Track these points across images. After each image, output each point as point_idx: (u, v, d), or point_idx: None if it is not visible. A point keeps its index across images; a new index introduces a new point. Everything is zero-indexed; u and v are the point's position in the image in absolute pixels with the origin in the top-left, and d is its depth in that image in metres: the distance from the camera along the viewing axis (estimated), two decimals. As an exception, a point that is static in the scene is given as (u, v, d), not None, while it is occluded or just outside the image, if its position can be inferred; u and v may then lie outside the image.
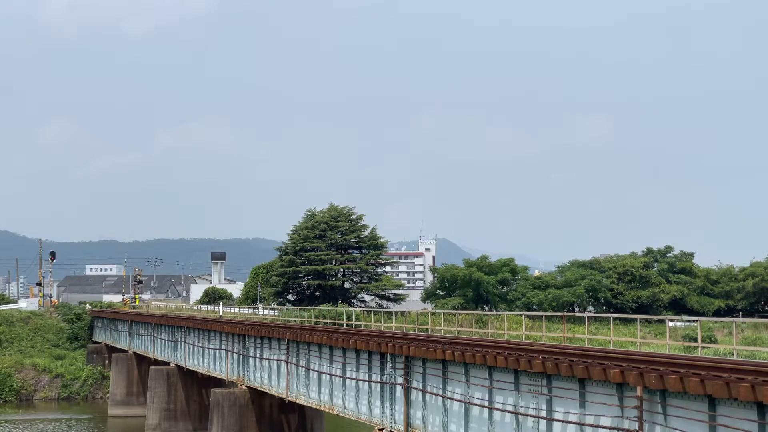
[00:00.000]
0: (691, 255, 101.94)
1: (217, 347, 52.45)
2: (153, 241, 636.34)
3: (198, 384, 61.07)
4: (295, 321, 62.84)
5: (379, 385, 31.70)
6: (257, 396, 45.72)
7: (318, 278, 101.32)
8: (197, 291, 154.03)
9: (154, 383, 61.31)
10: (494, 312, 73.69)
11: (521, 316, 61.62)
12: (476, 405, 24.96)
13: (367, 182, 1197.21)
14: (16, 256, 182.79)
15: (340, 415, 35.37)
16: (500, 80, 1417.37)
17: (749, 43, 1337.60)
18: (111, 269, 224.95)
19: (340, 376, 34.96)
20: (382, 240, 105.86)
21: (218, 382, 53.27)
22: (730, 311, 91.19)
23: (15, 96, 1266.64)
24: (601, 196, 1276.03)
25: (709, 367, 17.49)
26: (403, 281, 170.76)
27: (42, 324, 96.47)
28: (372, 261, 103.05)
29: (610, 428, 19.49)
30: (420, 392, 28.57)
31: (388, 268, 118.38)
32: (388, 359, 30.79)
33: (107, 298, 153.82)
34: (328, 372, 36.25)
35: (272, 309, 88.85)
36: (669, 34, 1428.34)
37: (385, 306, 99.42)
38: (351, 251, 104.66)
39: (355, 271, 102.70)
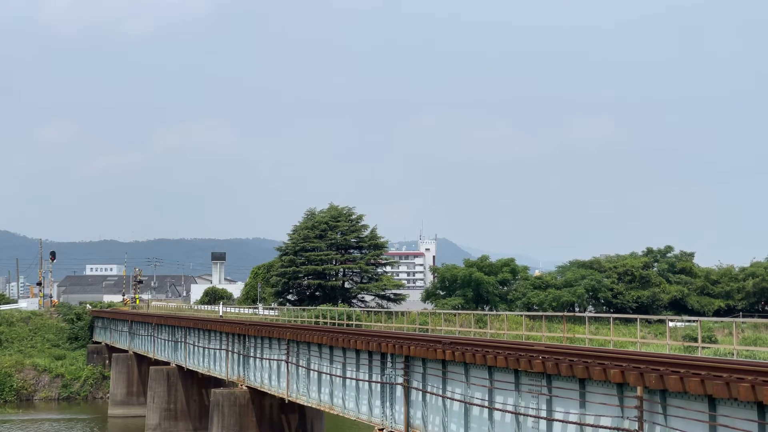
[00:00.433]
0: (692, 255, 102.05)
1: (218, 347, 52.46)
2: (153, 241, 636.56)
3: (198, 384, 61.09)
4: (295, 321, 62.83)
5: (379, 385, 31.70)
6: (257, 396, 45.73)
7: (318, 278, 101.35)
8: (197, 291, 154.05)
9: (154, 383, 61.33)
10: (494, 312, 73.67)
11: (521, 316, 61.61)
12: (476, 405, 24.96)
13: (367, 182, 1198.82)
14: (16, 256, 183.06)
15: (341, 415, 35.37)
16: (500, 80, 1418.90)
17: (749, 43, 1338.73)
18: (111, 269, 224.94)
19: (340, 376, 34.96)
20: (382, 240, 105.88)
21: (218, 382, 53.30)
22: (730, 311, 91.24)
23: (15, 96, 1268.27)
24: (601, 196, 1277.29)
25: (709, 367, 17.49)
26: (404, 281, 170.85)
27: (42, 324, 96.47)
28: (372, 261, 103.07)
29: (610, 428, 19.49)
30: (420, 392, 28.57)
31: (388, 268, 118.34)
32: (389, 359, 30.80)
33: (107, 298, 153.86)
34: (329, 372, 36.25)
35: (272, 309, 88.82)
36: (669, 34, 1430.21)
37: (385, 306, 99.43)
38: (351, 251, 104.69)
39: (355, 271, 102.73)
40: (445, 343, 26.84)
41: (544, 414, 21.95)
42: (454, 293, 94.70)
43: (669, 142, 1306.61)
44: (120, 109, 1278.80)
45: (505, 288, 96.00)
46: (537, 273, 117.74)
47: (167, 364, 63.96)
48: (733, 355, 30.50)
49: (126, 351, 78.06)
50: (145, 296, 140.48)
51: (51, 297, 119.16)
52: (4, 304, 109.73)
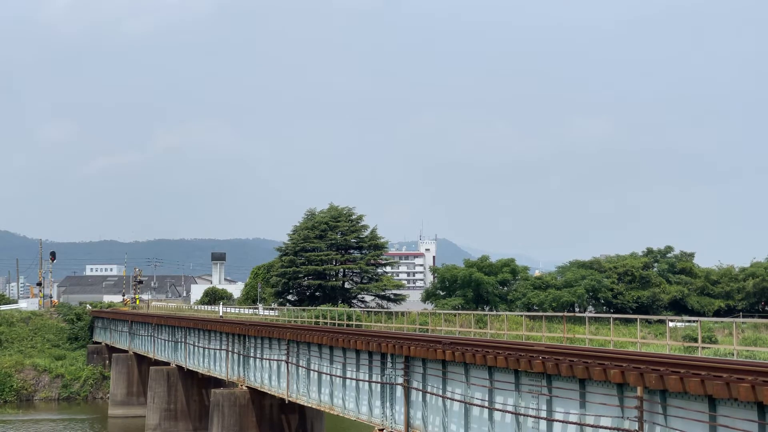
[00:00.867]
0: (692, 255, 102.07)
1: (218, 347, 52.46)
2: (153, 241, 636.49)
3: (198, 384, 61.12)
4: (295, 321, 62.82)
5: (379, 385, 31.71)
6: (257, 396, 45.73)
7: (318, 278, 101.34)
8: (197, 291, 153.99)
9: (154, 383, 61.34)
10: (494, 312, 73.68)
11: (521, 316, 61.64)
12: (476, 405, 24.96)
13: (367, 182, 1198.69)
14: (16, 256, 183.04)
15: (341, 415, 35.37)
16: (500, 80, 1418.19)
17: (749, 43, 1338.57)
18: (111, 269, 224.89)
19: (340, 377, 34.97)
20: (382, 240, 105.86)
21: (218, 383, 53.32)
22: (730, 311, 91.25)
23: (15, 96, 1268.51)
24: (601, 196, 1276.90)
25: (709, 368, 17.49)
26: (404, 281, 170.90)
27: (42, 324, 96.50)
28: (372, 261, 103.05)
29: (610, 428, 19.49)
30: (420, 392, 28.58)
31: (388, 269, 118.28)
32: (389, 359, 30.80)
33: (107, 299, 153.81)
34: (329, 372, 36.25)
35: (272, 309, 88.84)
36: (669, 34, 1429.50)
37: (385, 306, 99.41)
38: (351, 251, 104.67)
39: (355, 271, 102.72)
40: (445, 344, 26.84)
41: (544, 414, 21.96)
42: (454, 293, 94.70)
43: (669, 142, 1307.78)
44: (120, 109, 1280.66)
45: (505, 288, 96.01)
46: (537, 273, 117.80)
47: (167, 364, 63.97)
48: (733, 355, 30.52)
49: (126, 351, 78.07)
50: (145, 296, 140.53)
51: (51, 297, 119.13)
52: (4, 304, 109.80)
